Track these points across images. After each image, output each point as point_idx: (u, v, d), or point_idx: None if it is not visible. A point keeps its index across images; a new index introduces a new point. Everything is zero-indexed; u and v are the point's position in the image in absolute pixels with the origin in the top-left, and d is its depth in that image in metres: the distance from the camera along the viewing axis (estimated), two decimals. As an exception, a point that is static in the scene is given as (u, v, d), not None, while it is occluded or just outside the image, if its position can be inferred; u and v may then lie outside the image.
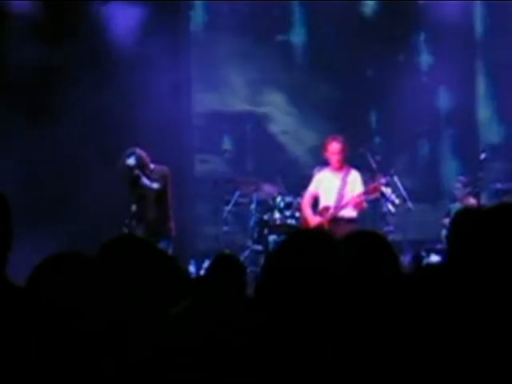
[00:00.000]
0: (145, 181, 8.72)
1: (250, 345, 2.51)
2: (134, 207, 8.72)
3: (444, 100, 12.26)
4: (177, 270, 5.45)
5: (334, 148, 9.21)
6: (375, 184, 9.24)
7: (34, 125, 9.84)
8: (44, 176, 10.02)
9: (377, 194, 9.40)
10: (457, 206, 9.75)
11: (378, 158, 10.09)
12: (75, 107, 10.11)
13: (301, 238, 2.57)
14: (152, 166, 8.86)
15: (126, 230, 8.50)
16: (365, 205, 9.27)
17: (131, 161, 8.68)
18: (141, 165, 8.73)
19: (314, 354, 2.38)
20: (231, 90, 12.22)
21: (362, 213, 9.46)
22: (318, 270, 2.45)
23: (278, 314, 2.45)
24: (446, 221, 9.42)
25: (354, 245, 3.12)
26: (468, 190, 9.92)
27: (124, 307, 2.81)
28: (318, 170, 9.63)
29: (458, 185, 10.18)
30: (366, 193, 9.17)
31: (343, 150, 9.22)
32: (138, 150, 8.80)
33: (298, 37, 12.41)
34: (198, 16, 12.28)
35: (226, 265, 4.36)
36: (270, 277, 2.53)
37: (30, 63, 9.94)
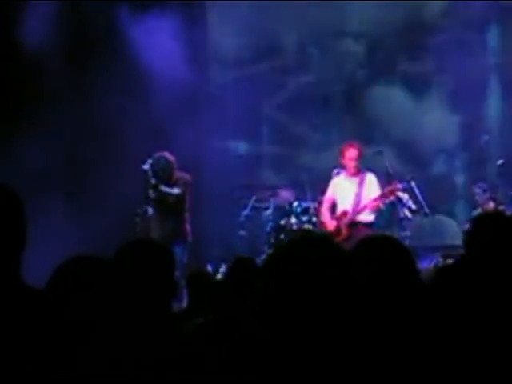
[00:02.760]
0: (164, 188, 8.74)
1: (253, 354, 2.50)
2: (150, 210, 8.75)
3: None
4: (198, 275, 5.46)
5: (352, 154, 9.21)
6: (391, 187, 9.21)
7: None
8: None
9: (393, 197, 9.37)
10: (478, 211, 9.68)
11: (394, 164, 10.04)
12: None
13: (301, 243, 2.55)
14: (176, 172, 8.88)
15: (140, 233, 8.55)
16: (381, 206, 9.23)
17: (146, 166, 8.72)
18: (162, 171, 8.73)
19: (320, 361, 2.37)
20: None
21: (378, 218, 9.44)
22: (318, 274, 2.43)
23: (280, 321, 2.44)
24: (467, 226, 9.34)
25: (368, 249, 3.11)
26: (488, 195, 9.85)
27: (133, 311, 2.82)
28: (337, 173, 9.60)
29: (479, 190, 10.10)
30: (382, 196, 9.13)
31: (360, 156, 9.22)
32: (165, 156, 8.83)
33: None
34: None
35: (243, 268, 4.35)
36: (270, 283, 2.52)
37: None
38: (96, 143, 10.33)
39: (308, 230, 9.98)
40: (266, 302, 2.45)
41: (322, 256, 2.43)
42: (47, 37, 10.23)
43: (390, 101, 12.30)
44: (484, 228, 3.24)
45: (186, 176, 8.99)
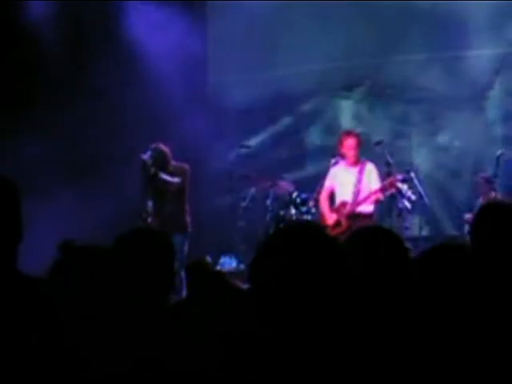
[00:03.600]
0: (164, 176, 8.75)
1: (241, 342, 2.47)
2: (150, 202, 8.74)
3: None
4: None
5: (350, 143, 9.16)
6: (391, 179, 9.17)
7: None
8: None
9: (393, 190, 9.33)
10: (480, 201, 9.69)
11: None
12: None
13: (293, 232, 2.51)
14: (173, 162, 8.90)
15: (142, 224, 8.53)
16: (381, 198, 9.18)
17: (146, 156, 8.73)
18: (158, 160, 8.76)
19: (309, 351, 2.33)
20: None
21: (378, 209, 9.41)
22: (311, 263, 2.39)
23: (270, 310, 2.40)
24: (468, 216, 9.36)
25: (362, 240, 3.09)
26: (490, 185, 9.86)
27: (132, 301, 2.79)
28: (335, 162, 9.53)
29: (481, 180, 10.12)
30: (382, 189, 9.10)
31: (359, 145, 9.17)
32: (160, 146, 8.86)
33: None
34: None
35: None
36: (262, 269, 2.48)
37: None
38: (97, 138, 10.38)
39: (305, 221, 9.95)
40: (260, 293, 2.42)
41: (317, 246, 2.40)
42: (44, 34, 10.28)
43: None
44: (489, 218, 3.22)
45: (184, 165, 8.98)
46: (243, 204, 10.72)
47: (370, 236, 3.14)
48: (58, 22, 10.45)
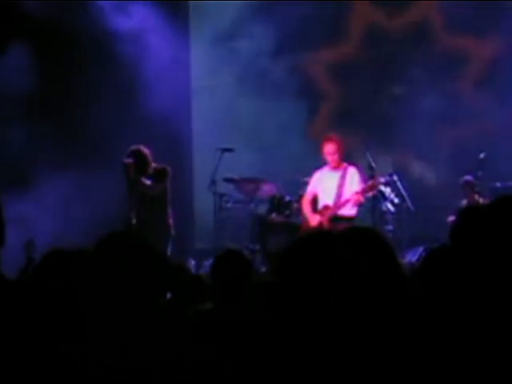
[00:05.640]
0: (145, 181, 8.71)
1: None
2: (133, 204, 8.72)
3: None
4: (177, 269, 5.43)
5: (329, 148, 9.22)
6: (373, 182, 9.19)
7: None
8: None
9: (374, 192, 9.37)
10: (464, 203, 9.73)
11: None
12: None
13: (311, 241, 2.54)
14: (153, 165, 8.86)
15: (126, 226, 8.53)
16: (363, 200, 9.20)
17: (127, 159, 8.70)
18: (139, 163, 8.72)
19: (312, 350, 2.35)
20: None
21: (361, 212, 9.43)
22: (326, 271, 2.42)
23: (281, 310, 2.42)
24: (452, 219, 9.38)
25: (349, 241, 3.10)
26: (475, 188, 9.91)
27: (114, 302, 2.80)
28: (320, 167, 9.57)
29: (465, 184, 10.15)
30: (363, 191, 9.12)
31: (339, 150, 9.21)
32: (141, 148, 8.82)
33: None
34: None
35: (229, 260, 4.32)
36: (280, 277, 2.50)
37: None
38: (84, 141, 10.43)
39: (290, 225, 9.97)
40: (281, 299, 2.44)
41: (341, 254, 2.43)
42: (33, 38, 10.31)
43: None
44: (470, 220, 3.24)
45: (165, 168, 8.93)
46: (227, 206, 10.71)
47: (357, 237, 3.15)
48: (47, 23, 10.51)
